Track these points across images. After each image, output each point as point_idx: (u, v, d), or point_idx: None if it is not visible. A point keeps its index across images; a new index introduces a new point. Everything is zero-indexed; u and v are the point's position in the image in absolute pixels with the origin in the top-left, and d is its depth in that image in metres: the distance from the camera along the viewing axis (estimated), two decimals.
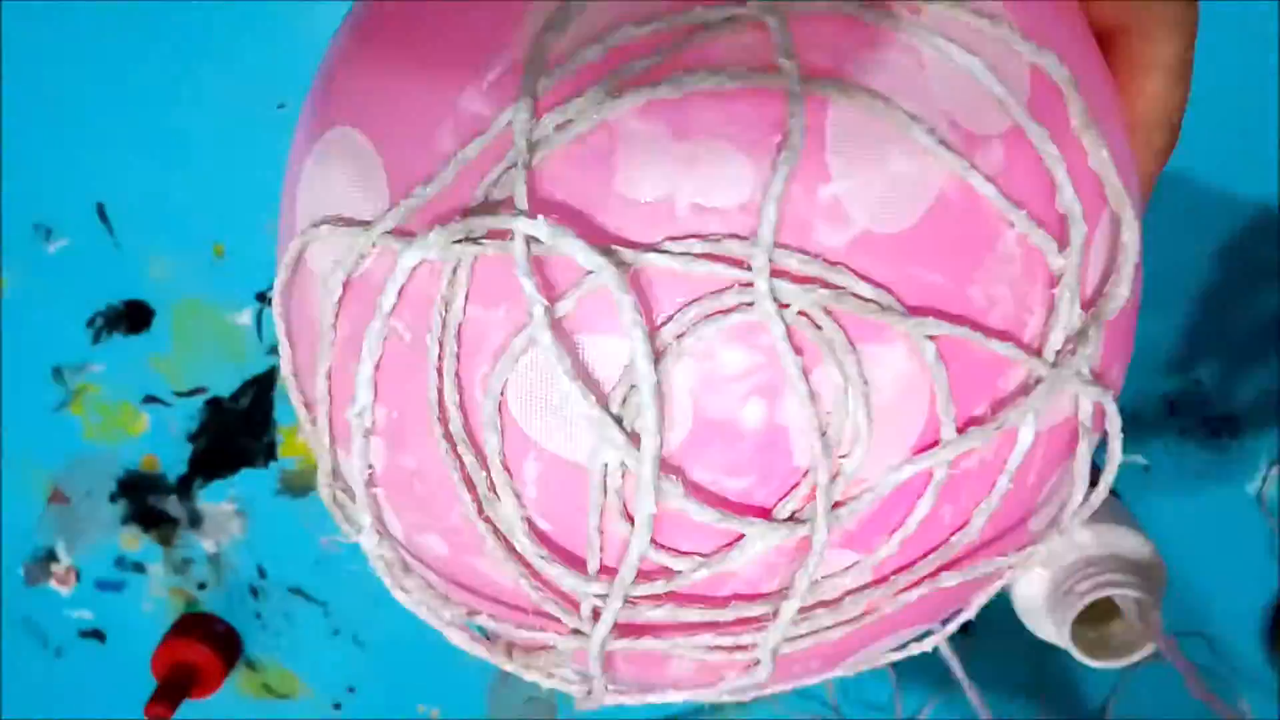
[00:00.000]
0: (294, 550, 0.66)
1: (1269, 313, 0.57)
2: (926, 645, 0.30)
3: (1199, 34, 0.29)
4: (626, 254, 0.22)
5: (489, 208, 0.23)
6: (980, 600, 0.29)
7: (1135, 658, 0.48)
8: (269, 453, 0.64)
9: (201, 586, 0.68)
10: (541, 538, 0.25)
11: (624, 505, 0.24)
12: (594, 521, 0.24)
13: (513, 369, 0.23)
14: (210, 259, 0.60)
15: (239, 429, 0.63)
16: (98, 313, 0.61)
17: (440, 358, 0.24)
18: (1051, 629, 0.48)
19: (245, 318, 0.61)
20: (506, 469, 0.24)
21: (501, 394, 0.24)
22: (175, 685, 0.65)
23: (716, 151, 0.22)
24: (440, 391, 0.24)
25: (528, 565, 0.25)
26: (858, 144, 0.23)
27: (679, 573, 0.24)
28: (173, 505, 0.66)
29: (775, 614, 0.25)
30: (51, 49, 0.55)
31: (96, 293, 0.61)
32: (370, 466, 0.27)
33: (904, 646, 0.29)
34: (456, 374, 0.24)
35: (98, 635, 0.69)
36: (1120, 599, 0.47)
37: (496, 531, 0.25)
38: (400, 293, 0.24)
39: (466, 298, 0.24)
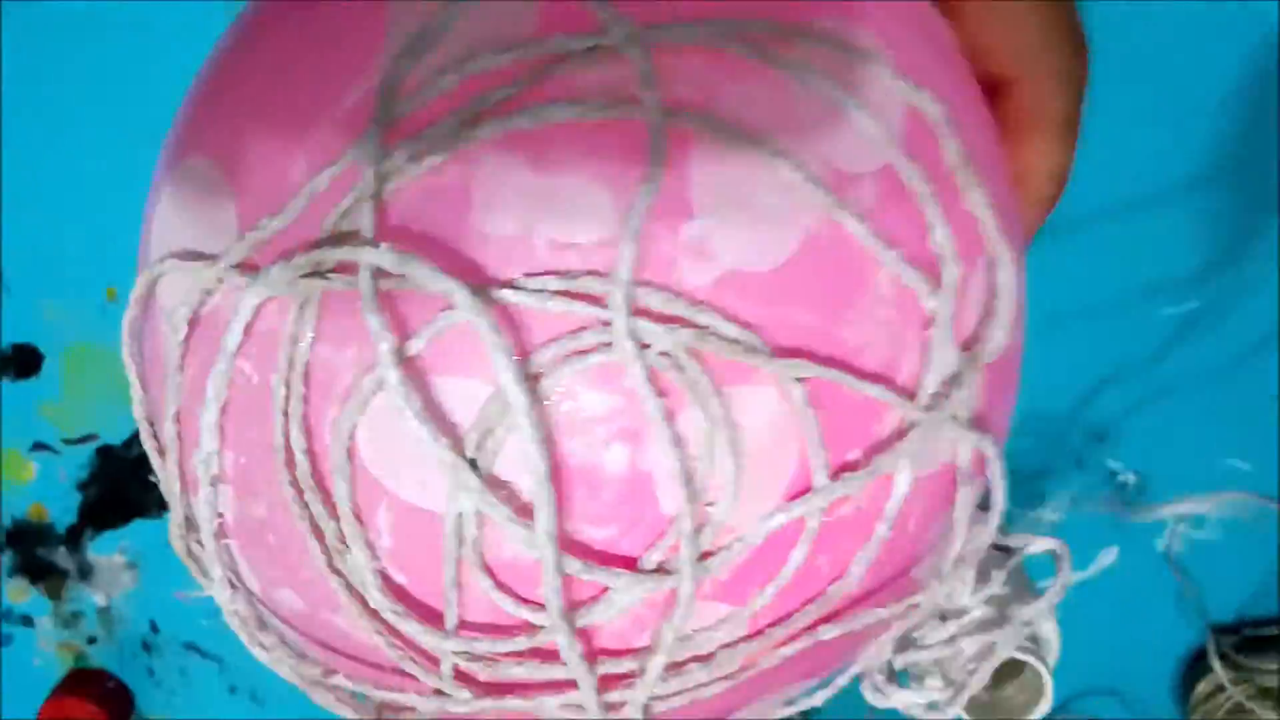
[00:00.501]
0: (188, 604, 0.64)
1: (1178, 361, 0.57)
2: (820, 698, 0.29)
3: (1202, 38, 0.28)
4: (480, 290, 0.21)
5: (336, 239, 0.22)
6: (870, 653, 0.28)
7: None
8: (162, 503, 0.61)
9: (92, 641, 0.65)
10: (397, 591, 0.23)
11: (481, 556, 0.22)
12: (450, 574, 0.23)
13: (363, 412, 0.22)
14: (102, 302, 0.58)
15: (131, 478, 0.61)
16: None
17: (287, 400, 0.23)
18: (940, 685, 0.47)
19: None
20: (358, 518, 0.23)
21: (351, 438, 0.22)
22: None
23: (575, 186, 0.21)
24: (286, 436, 0.23)
25: (384, 621, 0.24)
26: (723, 180, 0.22)
27: (541, 628, 0.23)
28: (62, 556, 0.63)
29: (642, 670, 0.23)
30: None
31: None
32: (220, 515, 0.25)
33: (793, 702, 0.28)
34: (304, 417, 0.23)
35: None
36: (1012, 662, 0.47)
37: (349, 586, 0.23)
38: (246, 331, 0.23)
39: (315, 336, 0.22)
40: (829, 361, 0.22)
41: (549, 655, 0.23)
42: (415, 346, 0.21)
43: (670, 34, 0.22)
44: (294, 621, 0.26)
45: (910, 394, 0.23)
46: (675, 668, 0.24)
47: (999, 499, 0.26)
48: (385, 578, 0.23)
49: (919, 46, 0.25)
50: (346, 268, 0.22)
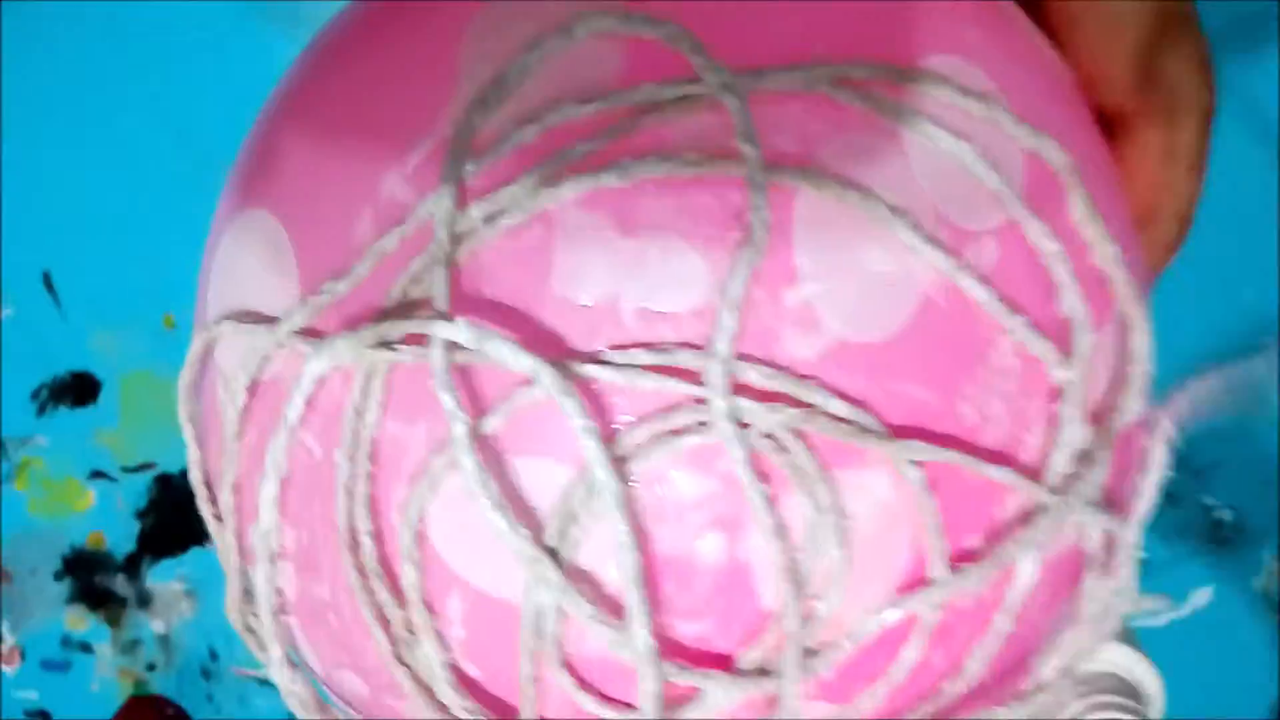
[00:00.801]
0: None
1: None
2: None
3: None
4: (563, 365, 0.19)
5: (406, 309, 0.20)
6: None
7: None
8: None
9: (151, 668, 0.64)
10: (469, 685, 0.21)
11: (562, 652, 0.21)
12: (526, 670, 0.21)
13: (435, 493, 0.20)
14: (159, 330, 0.57)
15: (189, 506, 0.60)
16: (43, 384, 0.59)
17: (352, 478, 0.21)
18: None
19: None
20: (428, 607, 0.21)
21: (421, 521, 0.21)
22: None
23: (667, 248, 0.19)
24: (351, 516, 0.21)
25: (454, 717, 0.22)
26: (830, 241, 0.20)
27: None
28: (120, 584, 0.62)
29: None
30: None
31: (42, 364, 0.58)
32: (279, 592, 0.24)
33: None
34: (371, 497, 0.21)
35: (44, 716, 0.66)
36: None
37: (416, 678, 0.22)
38: (309, 402, 0.21)
39: (382, 411, 0.21)
40: (946, 441, 0.20)
41: None
42: (491, 424, 0.20)
43: (768, 80, 0.20)
44: (356, 705, 0.24)
45: (1036, 474, 0.21)
46: None
47: (1130, 585, 0.24)
48: (457, 670, 0.21)
49: (1037, 86, 0.23)
50: (417, 338, 0.20)
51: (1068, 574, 0.23)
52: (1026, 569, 0.21)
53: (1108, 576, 0.23)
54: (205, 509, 0.26)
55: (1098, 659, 0.43)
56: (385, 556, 0.21)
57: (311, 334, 0.21)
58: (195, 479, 0.26)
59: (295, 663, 0.25)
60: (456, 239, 0.20)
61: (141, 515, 0.61)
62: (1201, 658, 0.59)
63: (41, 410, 0.59)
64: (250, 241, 0.24)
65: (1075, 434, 0.21)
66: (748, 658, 0.21)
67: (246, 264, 0.24)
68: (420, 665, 0.22)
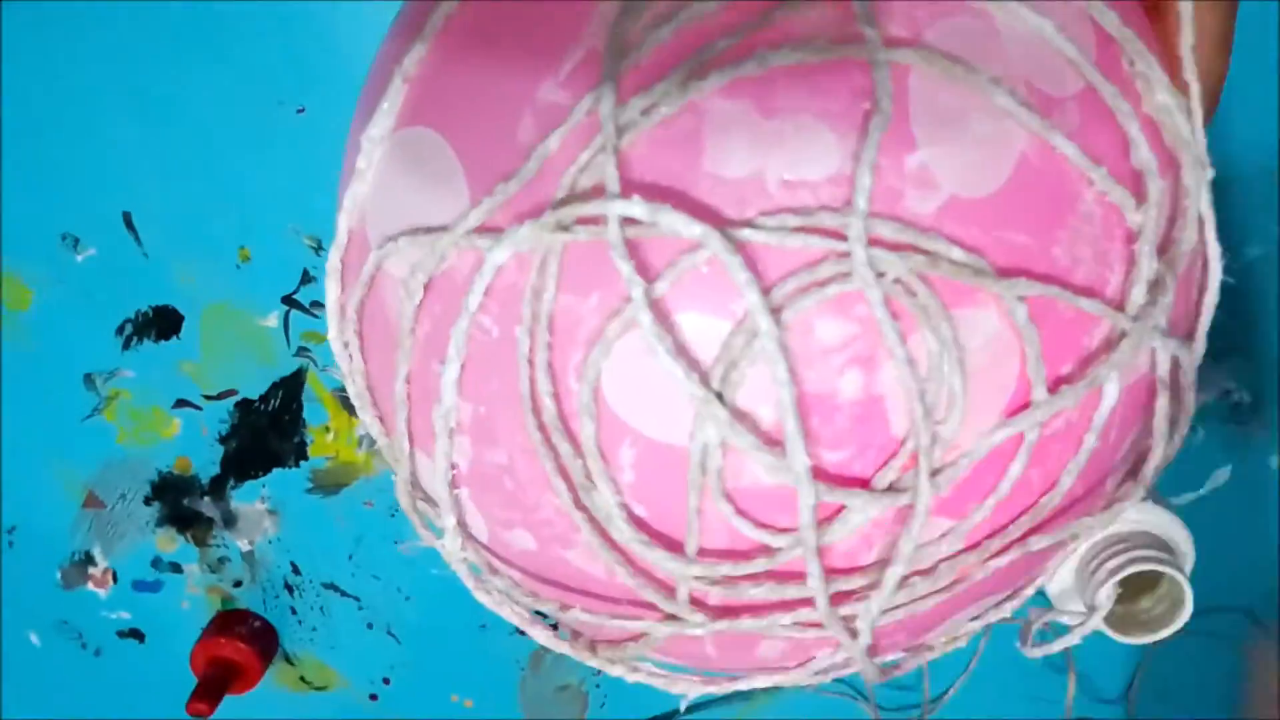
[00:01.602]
0: (326, 546, 0.67)
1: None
2: (1005, 611, 0.30)
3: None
4: (724, 231, 0.23)
5: (579, 196, 0.23)
6: (1056, 564, 0.30)
7: (1165, 633, 0.49)
8: (299, 452, 0.64)
9: (237, 584, 0.68)
10: (638, 523, 0.25)
11: (723, 485, 0.24)
12: (693, 503, 0.24)
13: (608, 355, 0.24)
14: (235, 263, 0.60)
15: (269, 430, 0.64)
16: (127, 320, 0.62)
17: (531, 349, 0.24)
18: (1081, 607, 0.49)
19: (272, 320, 0.61)
20: (603, 456, 0.25)
21: (596, 380, 0.24)
22: (215, 682, 0.65)
23: (803, 126, 0.23)
24: (532, 382, 0.25)
25: (623, 552, 0.26)
26: (940, 111, 0.23)
27: (779, 550, 0.25)
28: (206, 506, 0.66)
29: (874, 585, 0.25)
30: (73, 60, 0.56)
31: (125, 300, 0.61)
32: (454, 466, 0.27)
33: (981, 617, 0.30)
34: (549, 363, 0.25)
35: (136, 635, 0.70)
36: (1149, 574, 0.48)
37: (592, 520, 0.25)
38: (485, 289, 0.25)
39: (558, 288, 0.24)
40: (1045, 279, 0.24)
41: (784, 576, 0.25)
42: (660, 289, 0.23)
43: None
44: (522, 563, 0.28)
45: (1118, 305, 0.25)
46: (901, 582, 0.26)
47: (1190, 403, 0.28)
48: (628, 510, 0.25)
49: None
50: (588, 220, 0.23)
51: (1141, 399, 0.27)
52: (1111, 390, 0.25)
53: (1175, 398, 0.27)
54: (369, 412, 0.30)
55: (1132, 520, 0.47)
56: (564, 415, 0.25)
57: (486, 231, 0.25)
58: (359, 386, 0.29)
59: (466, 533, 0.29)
60: (620, 130, 0.23)
61: (224, 440, 0.64)
62: (1227, 534, 0.63)
63: (126, 345, 0.62)
64: (413, 159, 0.27)
65: (1149, 268, 0.25)
66: (882, 479, 0.24)
67: (410, 180, 0.27)
68: (596, 508, 0.25)
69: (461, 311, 0.25)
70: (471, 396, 0.26)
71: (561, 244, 0.24)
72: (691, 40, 0.23)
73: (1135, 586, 0.49)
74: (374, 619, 0.69)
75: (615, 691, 0.70)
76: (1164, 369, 0.26)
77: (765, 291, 0.23)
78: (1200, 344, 0.28)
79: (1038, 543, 0.26)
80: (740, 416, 0.24)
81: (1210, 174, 0.26)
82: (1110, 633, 0.49)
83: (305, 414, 0.63)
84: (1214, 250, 0.27)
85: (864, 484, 0.24)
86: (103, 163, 0.58)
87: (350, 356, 0.29)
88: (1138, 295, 0.25)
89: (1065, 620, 0.42)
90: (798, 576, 0.25)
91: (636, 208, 0.23)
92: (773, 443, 0.24)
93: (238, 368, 0.63)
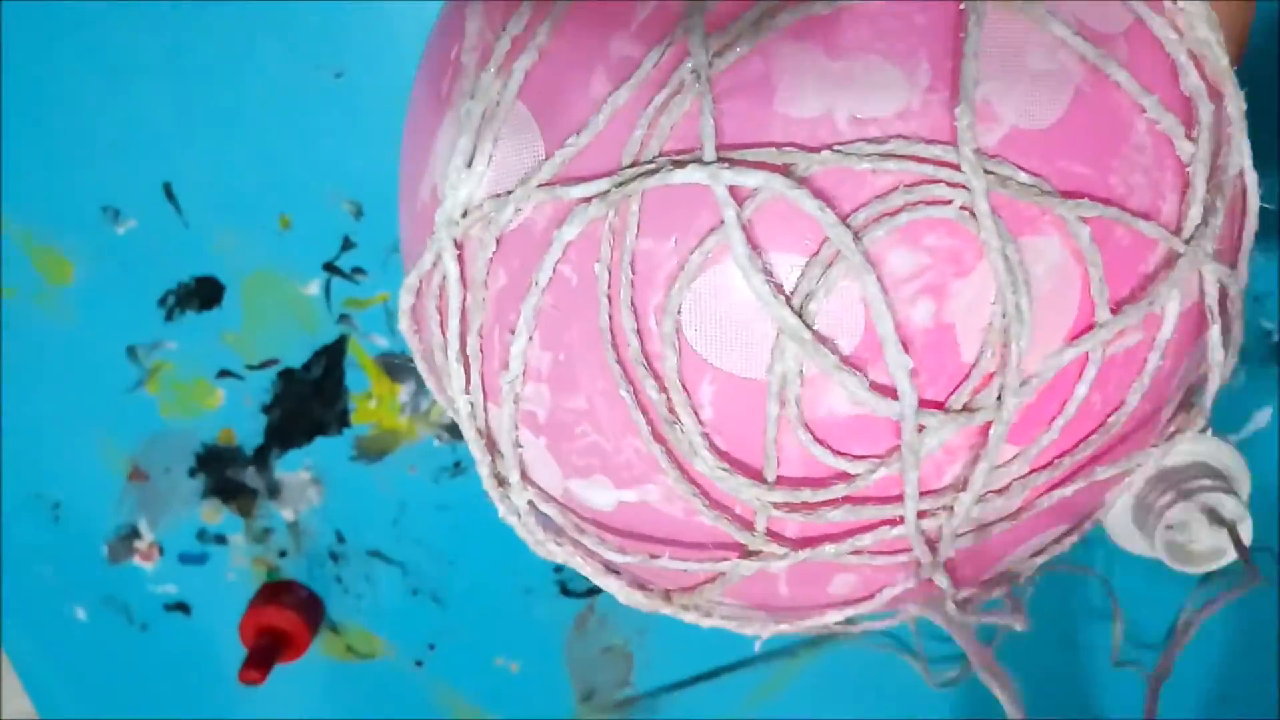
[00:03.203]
0: (371, 514, 0.67)
1: None
2: (1065, 545, 0.31)
3: None
4: (799, 156, 0.23)
5: (654, 149, 0.24)
6: (1115, 496, 0.30)
7: (1223, 563, 0.49)
8: (342, 420, 0.65)
9: (282, 554, 0.69)
10: (719, 454, 0.26)
11: (801, 415, 0.25)
12: (772, 434, 0.25)
13: (689, 290, 0.24)
14: (276, 231, 0.60)
15: (312, 399, 0.64)
16: (169, 291, 0.62)
17: (612, 287, 0.25)
18: (1141, 541, 0.49)
19: (314, 288, 0.62)
20: (685, 390, 0.25)
21: (678, 317, 0.24)
22: (265, 651, 0.66)
23: (871, 65, 0.23)
24: (613, 320, 0.25)
25: (702, 487, 0.26)
26: (1001, 46, 0.24)
27: (856, 476, 0.25)
28: (251, 477, 0.66)
29: (948, 507, 0.26)
30: (108, 31, 0.56)
31: (167, 271, 0.61)
32: (532, 416, 0.27)
33: (1044, 551, 0.30)
34: (631, 301, 0.25)
35: (183, 608, 0.70)
36: (1206, 506, 0.48)
37: (671, 454, 0.26)
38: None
39: (638, 231, 0.24)
40: (1106, 203, 0.24)
41: (862, 500, 0.26)
42: (745, 215, 0.23)
43: None
44: (596, 513, 0.28)
45: (1174, 229, 0.25)
46: (977, 499, 0.26)
47: (1238, 332, 0.28)
48: (709, 441, 0.25)
49: None
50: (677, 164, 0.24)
51: (1194, 325, 0.27)
52: (1172, 309, 0.25)
53: (1225, 325, 0.27)
54: (453, 392, 0.29)
55: (1186, 451, 0.47)
56: (646, 352, 0.25)
57: (565, 181, 0.25)
58: (435, 346, 0.29)
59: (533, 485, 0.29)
60: (696, 71, 0.23)
61: (268, 410, 0.65)
62: (1262, 474, 0.63)
63: (169, 316, 0.62)
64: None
65: (1200, 193, 0.25)
66: (956, 401, 0.25)
67: (486, 150, 0.27)
68: (677, 442, 0.26)
69: (545, 259, 0.25)
70: (551, 345, 0.26)
71: (641, 190, 0.24)
72: None
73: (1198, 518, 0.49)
74: (419, 585, 0.69)
75: (659, 652, 0.70)
76: (1213, 296, 0.27)
77: (844, 219, 0.23)
78: (1244, 272, 0.28)
79: (1104, 471, 0.26)
80: (821, 341, 0.24)
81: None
82: (1172, 564, 0.49)
83: (347, 381, 0.64)
84: (1252, 179, 0.28)
85: (940, 406, 0.25)
86: (141, 134, 0.58)
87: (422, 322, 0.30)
88: (1193, 217, 0.25)
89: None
90: (875, 500, 0.25)
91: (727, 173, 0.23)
92: (853, 366, 0.24)
93: (280, 336, 0.63)
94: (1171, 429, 0.28)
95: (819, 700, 0.70)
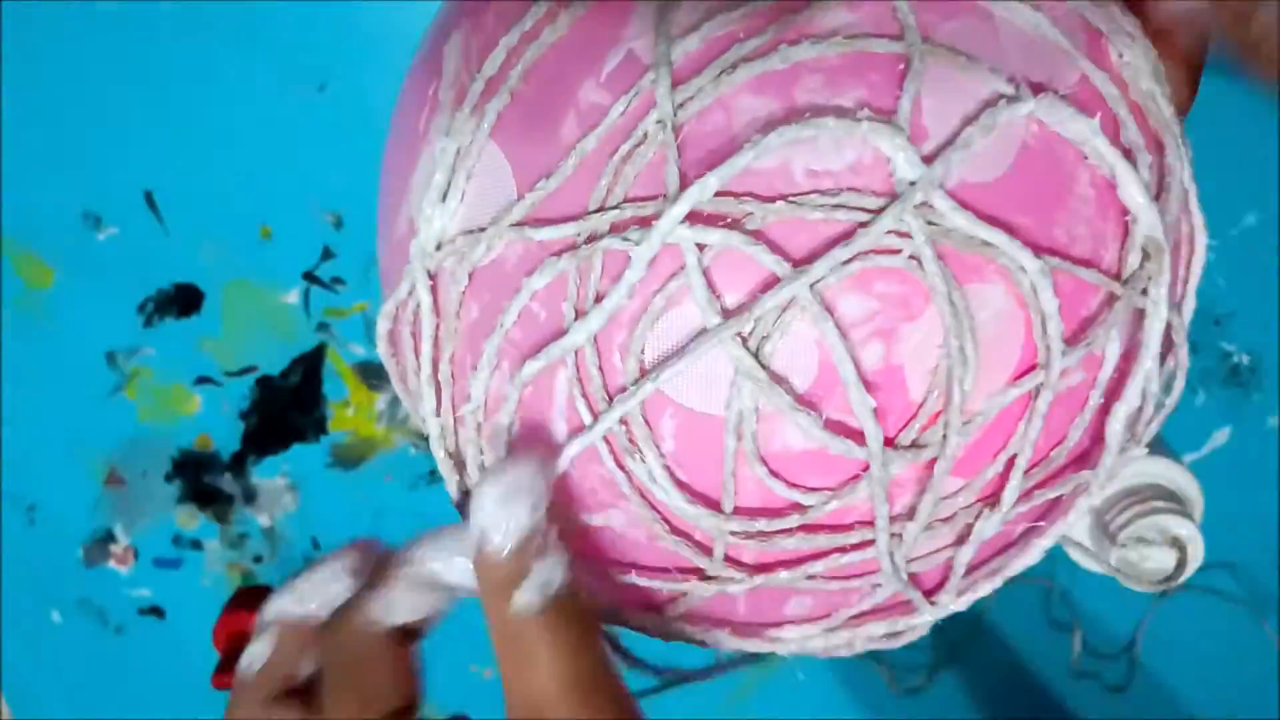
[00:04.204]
0: (346, 521, 0.68)
1: None
2: (1023, 564, 0.32)
3: None
4: (755, 206, 0.24)
5: (619, 195, 0.25)
6: (1071, 520, 0.31)
7: (1176, 582, 0.50)
8: (319, 427, 0.66)
9: (258, 560, 0.69)
10: (679, 485, 0.27)
11: (757, 449, 0.26)
12: (729, 467, 0.26)
13: (650, 332, 0.25)
14: (257, 240, 0.61)
15: (289, 406, 0.65)
16: (148, 297, 0.63)
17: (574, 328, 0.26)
18: (1097, 560, 0.50)
19: (293, 297, 0.62)
20: (647, 423, 0.26)
21: (641, 355, 0.25)
22: (238, 656, 0.66)
23: (825, 120, 0.24)
24: (578, 355, 0.26)
25: (663, 514, 0.27)
26: (949, 102, 0.25)
27: (810, 507, 0.26)
28: (227, 482, 0.67)
29: (900, 535, 0.27)
30: (93, 39, 0.57)
31: (146, 278, 0.62)
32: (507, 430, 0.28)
33: (1001, 571, 0.31)
34: (595, 340, 0.26)
35: (157, 612, 0.71)
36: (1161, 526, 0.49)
37: (633, 482, 0.27)
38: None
39: (601, 274, 0.25)
40: (1048, 253, 0.25)
41: (815, 529, 0.27)
42: (705, 261, 0.24)
43: None
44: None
45: (1114, 275, 0.26)
46: (926, 530, 0.27)
47: (1184, 359, 0.29)
48: (670, 472, 0.26)
49: None
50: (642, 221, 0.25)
51: (1130, 366, 0.28)
52: (1113, 350, 0.27)
53: (1166, 359, 0.29)
54: (424, 414, 0.30)
55: (1143, 473, 0.49)
56: (609, 389, 0.26)
57: (534, 223, 0.26)
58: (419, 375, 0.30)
59: None
60: (662, 121, 0.24)
61: (245, 416, 0.65)
62: (1224, 494, 0.65)
63: (148, 323, 0.63)
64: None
65: (1139, 240, 0.26)
66: (904, 439, 0.26)
67: (460, 186, 0.27)
68: (639, 472, 0.27)
69: (515, 295, 0.26)
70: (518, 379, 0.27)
71: (611, 247, 0.25)
72: (722, 40, 0.25)
73: (1147, 538, 0.51)
74: None
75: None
76: (1155, 332, 0.28)
77: (799, 264, 0.24)
78: (1189, 308, 0.30)
79: (1043, 495, 0.28)
80: (776, 380, 0.25)
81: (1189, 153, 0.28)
82: (1126, 583, 0.50)
83: (325, 389, 0.65)
84: (1198, 221, 0.29)
85: (889, 443, 0.26)
86: (123, 141, 0.59)
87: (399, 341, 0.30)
88: (1132, 263, 0.26)
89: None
90: (828, 529, 0.27)
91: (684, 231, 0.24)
92: (806, 405, 0.25)
93: (258, 344, 0.64)
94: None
95: (793, 703, 0.71)
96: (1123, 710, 0.67)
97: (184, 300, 0.63)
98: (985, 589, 0.31)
